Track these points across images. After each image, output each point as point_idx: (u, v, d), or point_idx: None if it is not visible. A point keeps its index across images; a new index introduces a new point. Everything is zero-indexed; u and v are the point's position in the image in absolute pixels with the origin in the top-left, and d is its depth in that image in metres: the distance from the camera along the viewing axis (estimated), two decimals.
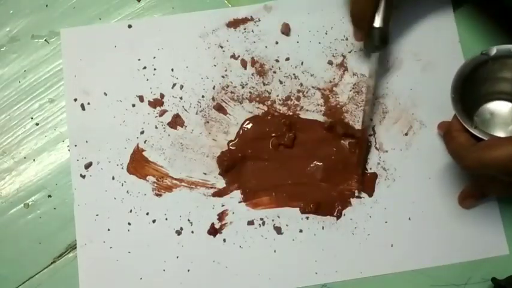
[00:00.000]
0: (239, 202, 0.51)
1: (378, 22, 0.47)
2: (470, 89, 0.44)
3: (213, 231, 0.50)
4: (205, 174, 0.51)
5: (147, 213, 0.50)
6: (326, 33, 0.54)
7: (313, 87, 0.53)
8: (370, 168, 0.51)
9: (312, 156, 0.51)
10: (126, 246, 0.50)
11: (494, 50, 0.44)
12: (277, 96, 0.52)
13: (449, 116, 0.44)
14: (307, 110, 0.52)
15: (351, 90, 0.53)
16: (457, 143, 0.41)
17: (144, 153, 0.51)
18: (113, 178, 0.51)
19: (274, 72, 0.53)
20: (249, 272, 0.49)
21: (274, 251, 0.50)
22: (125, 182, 0.51)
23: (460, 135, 0.41)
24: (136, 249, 0.49)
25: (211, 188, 0.51)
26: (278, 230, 0.50)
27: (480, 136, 0.41)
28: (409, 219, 0.50)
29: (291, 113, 0.52)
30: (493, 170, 0.38)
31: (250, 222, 0.50)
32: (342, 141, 0.52)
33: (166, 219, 0.50)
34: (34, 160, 0.52)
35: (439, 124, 0.51)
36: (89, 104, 0.52)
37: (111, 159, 0.51)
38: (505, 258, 0.49)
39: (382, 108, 0.52)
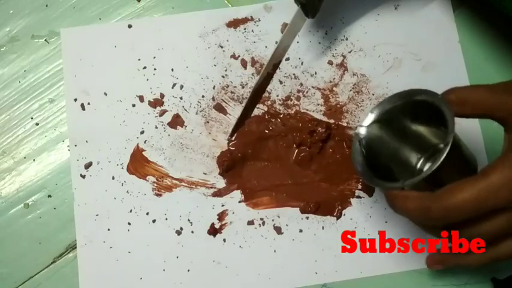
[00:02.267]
0: (239, 202, 0.51)
1: None
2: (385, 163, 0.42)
3: (213, 231, 0.50)
4: (205, 174, 0.51)
5: (147, 213, 0.50)
6: (326, 33, 0.54)
7: (313, 87, 0.53)
8: None
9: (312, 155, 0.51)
10: (126, 246, 0.50)
11: (362, 131, 0.42)
12: (277, 96, 0.52)
13: None
14: (307, 110, 0.52)
15: (351, 90, 0.53)
16: (413, 198, 0.37)
17: (144, 153, 0.51)
18: (113, 178, 0.51)
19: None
20: (249, 272, 0.49)
21: (274, 251, 0.50)
22: (124, 182, 0.51)
23: (409, 192, 0.37)
24: (136, 249, 0.49)
25: (211, 188, 0.51)
26: (278, 230, 0.50)
27: (423, 177, 0.36)
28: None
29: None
30: (462, 213, 0.35)
31: (250, 222, 0.50)
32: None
33: (166, 219, 0.50)
34: (34, 160, 0.52)
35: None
36: (89, 104, 0.52)
37: (111, 159, 0.51)
38: None
39: None
